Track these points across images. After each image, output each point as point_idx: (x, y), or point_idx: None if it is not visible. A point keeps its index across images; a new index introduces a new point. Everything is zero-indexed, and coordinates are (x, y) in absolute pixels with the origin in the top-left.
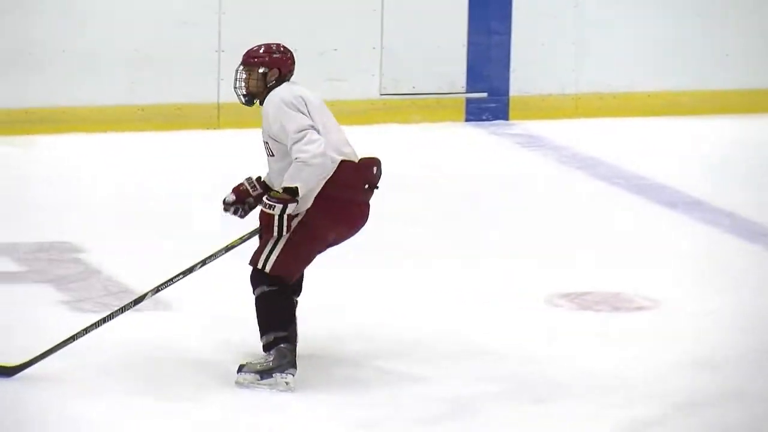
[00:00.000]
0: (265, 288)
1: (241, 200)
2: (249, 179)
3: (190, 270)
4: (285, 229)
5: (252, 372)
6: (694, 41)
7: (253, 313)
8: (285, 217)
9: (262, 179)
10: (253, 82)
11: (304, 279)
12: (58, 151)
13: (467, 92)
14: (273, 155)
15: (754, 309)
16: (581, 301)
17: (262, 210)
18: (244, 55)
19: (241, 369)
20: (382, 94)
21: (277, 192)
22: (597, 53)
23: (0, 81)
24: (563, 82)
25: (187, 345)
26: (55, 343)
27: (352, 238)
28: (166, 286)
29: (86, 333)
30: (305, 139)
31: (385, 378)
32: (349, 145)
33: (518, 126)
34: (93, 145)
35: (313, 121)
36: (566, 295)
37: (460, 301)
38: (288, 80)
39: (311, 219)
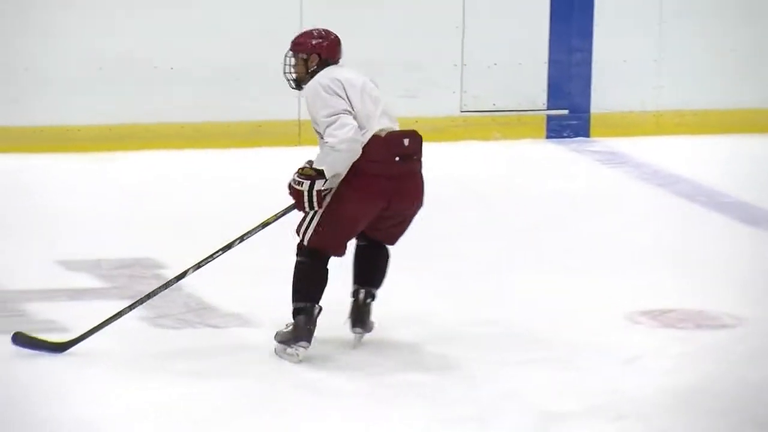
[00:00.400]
0: (301, 258)
1: None
2: (310, 161)
3: (229, 246)
4: (316, 203)
5: (276, 341)
6: None
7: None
8: (314, 192)
9: None
10: (297, 68)
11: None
12: (141, 167)
13: (548, 109)
14: (321, 137)
15: None
16: (664, 318)
17: (290, 185)
18: (291, 42)
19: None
20: (462, 111)
21: (309, 168)
22: (677, 71)
23: (82, 99)
24: (644, 99)
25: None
26: (102, 320)
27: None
28: (206, 263)
29: (131, 310)
30: (337, 123)
31: (465, 384)
32: (393, 123)
33: (599, 143)
34: (176, 161)
35: (350, 103)
36: (647, 312)
37: (540, 315)
38: (332, 65)
39: (341, 193)
